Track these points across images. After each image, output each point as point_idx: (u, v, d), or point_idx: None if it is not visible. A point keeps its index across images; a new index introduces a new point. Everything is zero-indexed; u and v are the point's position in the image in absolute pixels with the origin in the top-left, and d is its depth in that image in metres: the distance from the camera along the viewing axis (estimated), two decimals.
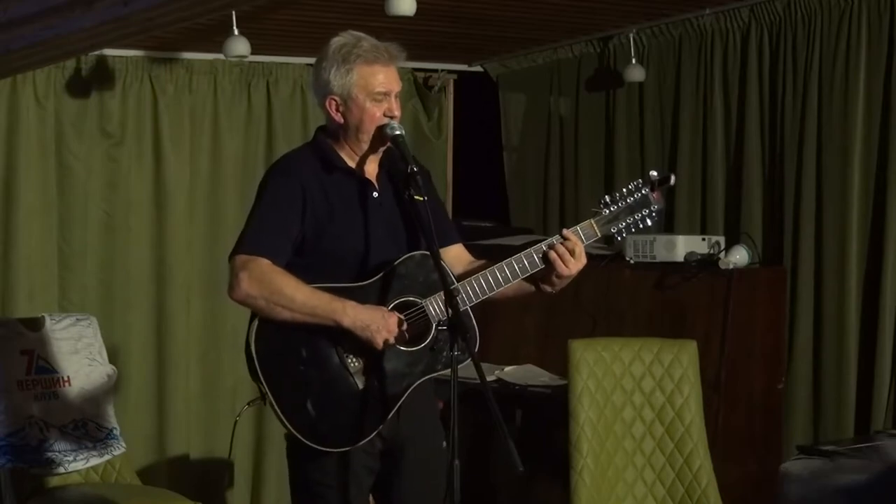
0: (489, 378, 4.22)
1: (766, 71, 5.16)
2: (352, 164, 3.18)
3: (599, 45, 5.88)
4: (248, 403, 5.24)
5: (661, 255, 5.05)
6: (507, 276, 3.09)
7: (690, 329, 4.77)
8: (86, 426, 4.77)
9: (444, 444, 3.18)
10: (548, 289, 3.15)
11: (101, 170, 5.56)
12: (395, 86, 3.14)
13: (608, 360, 4.32)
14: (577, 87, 6.05)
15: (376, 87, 3.10)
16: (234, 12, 4.63)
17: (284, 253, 3.09)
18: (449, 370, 2.87)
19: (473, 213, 6.12)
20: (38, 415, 4.68)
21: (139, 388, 5.59)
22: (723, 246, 5.08)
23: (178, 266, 5.68)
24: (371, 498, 3.32)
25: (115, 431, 4.85)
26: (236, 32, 4.83)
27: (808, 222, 4.96)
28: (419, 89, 6.34)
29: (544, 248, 3.08)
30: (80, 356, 4.88)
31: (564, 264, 3.06)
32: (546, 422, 4.86)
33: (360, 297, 3.07)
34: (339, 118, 3.14)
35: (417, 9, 4.25)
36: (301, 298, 3.02)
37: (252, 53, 5.00)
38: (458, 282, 3.09)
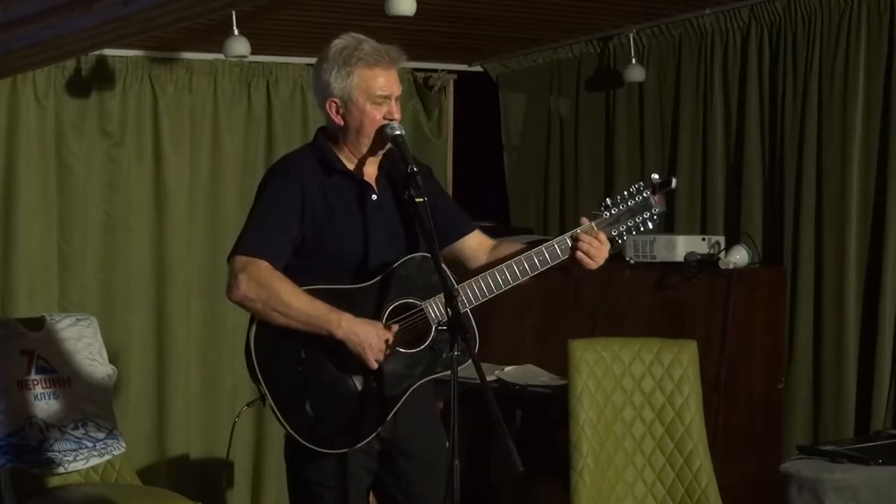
0: (489, 378, 4.21)
1: (766, 71, 5.15)
2: (351, 166, 3.19)
3: (599, 45, 5.88)
4: (248, 404, 5.25)
5: (661, 255, 5.06)
6: (508, 279, 3.10)
7: (690, 329, 4.77)
8: (86, 426, 4.77)
9: (447, 443, 3.18)
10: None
11: (101, 170, 5.56)
12: (396, 89, 3.14)
13: (608, 360, 4.31)
14: (577, 87, 6.05)
15: (377, 90, 3.10)
16: (234, 12, 4.63)
17: (284, 254, 3.09)
18: (448, 371, 2.87)
19: (473, 213, 6.01)
20: (38, 415, 4.68)
21: (139, 388, 5.59)
22: (723, 246, 5.08)
23: (178, 266, 5.68)
24: (371, 498, 3.32)
25: (115, 431, 4.85)
26: (236, 32, 4.83)
27: (808, 222, 4.96)
28: (419, 89, 6.34)
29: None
30: (81, 356, 4.88)
31: (591, 258, 3.06)
32: (546, 422, 4.86)
33: (360, 298, 3.08)
34: (339, 120, 3.14)
35: (417, 9, 4.24)
36: (298, 306, 3.03)
37: (252, 53, 5.00)
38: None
